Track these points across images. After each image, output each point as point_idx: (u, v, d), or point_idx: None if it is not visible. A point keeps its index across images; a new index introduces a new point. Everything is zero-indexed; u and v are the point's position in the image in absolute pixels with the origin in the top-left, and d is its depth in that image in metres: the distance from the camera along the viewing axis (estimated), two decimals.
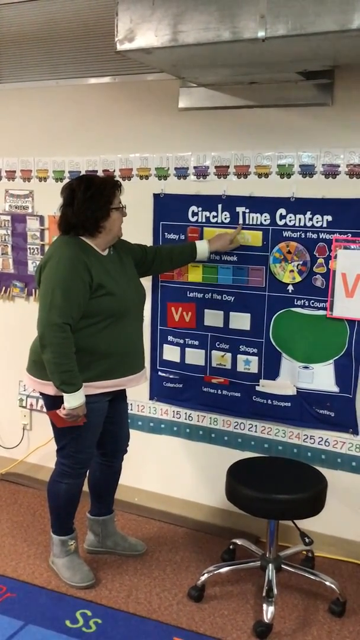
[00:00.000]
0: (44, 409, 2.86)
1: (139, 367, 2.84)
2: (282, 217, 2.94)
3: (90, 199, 2.59)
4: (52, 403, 2.69)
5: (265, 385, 3.10)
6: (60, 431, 2.75)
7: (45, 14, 3.36)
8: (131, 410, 3.20)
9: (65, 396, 2.58)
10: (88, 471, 2.96)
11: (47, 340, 2.55)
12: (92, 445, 2.83)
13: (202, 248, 2.99)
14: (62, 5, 3.31)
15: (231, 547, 3.04)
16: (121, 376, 2.75)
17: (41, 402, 3.40)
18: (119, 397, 2.89)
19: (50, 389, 2.66)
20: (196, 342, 3.22)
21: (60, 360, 2.55)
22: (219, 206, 3.07)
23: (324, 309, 2.91)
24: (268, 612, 2.55)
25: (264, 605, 2.57)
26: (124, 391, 2.92)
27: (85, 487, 2.99)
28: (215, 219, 3.08)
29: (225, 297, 3.11)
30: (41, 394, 2.79)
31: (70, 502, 2.86)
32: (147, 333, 3.25)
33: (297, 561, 2.93)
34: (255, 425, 3.19)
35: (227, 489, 2.73)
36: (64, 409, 2.59)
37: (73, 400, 2.57)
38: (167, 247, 3.06)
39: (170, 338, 3.29)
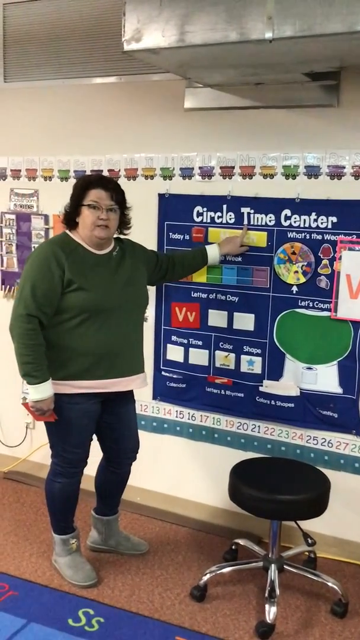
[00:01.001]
0: None
1: (128, 370, 2.76)
2: (287, 218, 2.95)
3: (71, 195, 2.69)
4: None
5: (269, 386, 3.10)
6: (47, 429, 2.77)
7: (52, 14, 3.36)
8: None
9: (29, 387, 2.60)
10: (96, 471, 2.97)
11: (14, 330, 2.60)
12: (80, 446, 2.78)
13: (213, 253, 2.99)
14: (69, 4, 3.32)
15: (233, 547, 3.04)
16: (103, 377, 2.68)
17: None
18: (119, 401, 2.82)
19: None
20: (200, 342, 3.22)
21: (24, 351, 2.58)
22: (224, 207, 3.07)
23: (328, 310, 2.91)
24: (270, 612, 2.55)
25: (267, 606, 2.58)
26: (126, 395, 2.83)
27: (92, 486, 3.00)
28: (220, 220, 3.08)
29: (229, 297, 3.11)
30: None
31: (65, 502, 2.85)
32: (151, 333, 3.26)
33: (299, 562, 2.93)
34: (259, 426, 3.19)
35: (230, 489, 2.73)
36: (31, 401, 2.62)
37: (35, 393, 2.59)
38: (179, 254, 3.06)
39: (174, 338, 3.29)
